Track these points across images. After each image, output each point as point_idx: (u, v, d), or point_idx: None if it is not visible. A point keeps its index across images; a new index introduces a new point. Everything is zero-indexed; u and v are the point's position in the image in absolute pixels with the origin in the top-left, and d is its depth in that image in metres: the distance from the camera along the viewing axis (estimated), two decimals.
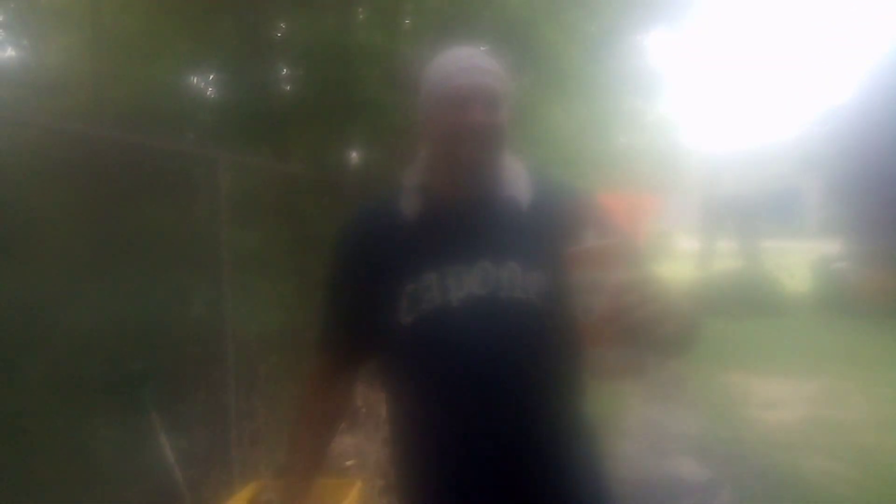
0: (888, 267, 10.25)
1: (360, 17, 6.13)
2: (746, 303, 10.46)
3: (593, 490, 1.30)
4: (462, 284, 1.21)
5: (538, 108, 7.05)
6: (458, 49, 1.29)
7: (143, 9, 5.11)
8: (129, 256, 3.14)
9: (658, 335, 0.96)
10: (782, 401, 5.78)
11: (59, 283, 2.67)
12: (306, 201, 4.74)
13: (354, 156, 6.50)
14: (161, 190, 3.61)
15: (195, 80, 5.85)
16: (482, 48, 1.38)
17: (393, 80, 5.26)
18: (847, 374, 6.55)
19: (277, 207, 4.38)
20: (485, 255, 1.23)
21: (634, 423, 5.28)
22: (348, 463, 3.78)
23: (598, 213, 1.31)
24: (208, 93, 5.88)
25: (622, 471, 4.28)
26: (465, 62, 1.25)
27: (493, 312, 1.19)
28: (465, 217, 1.26)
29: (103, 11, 4.82)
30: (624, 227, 1.31)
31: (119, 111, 4.53)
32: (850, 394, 5.88)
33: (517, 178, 1.31)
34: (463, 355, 1.19)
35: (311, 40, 5.56)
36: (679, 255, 20.14)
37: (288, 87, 6.05)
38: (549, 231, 1.23)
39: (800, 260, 13.98)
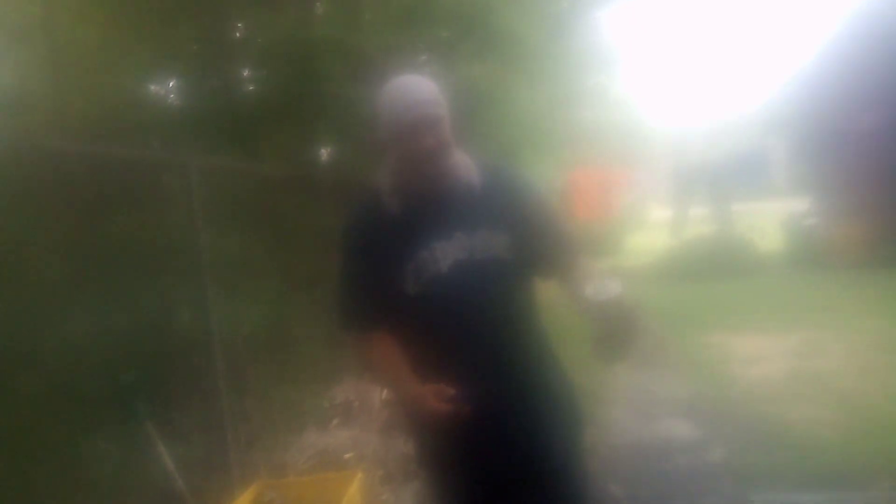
0: (856, 219, 10.50)
1: (319, 11, 6.09)
2: (722, 265, 10.66)
3: (548, 369, 1.79)
4: (447, 254, 1.65)
5: (502, 91, 7.08)
6: (405, 80, 1.68)
7: (96, 19, 5.02)
8: (109, 270, 3.12)
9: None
10: (764, 356, 5.92)
11: (44, 302, 2.65)
12: (281, 200, 4.73)
13: (325, 152, 6.49)
14: (134, 200, 3.58)
15: (158, 88, 5.78)
16: (421, 76, 1.74)
17: (357, 73, 5.25)
18: (825, 325, 6.73)
19: (253, 208, 4.36)
20: (459, 229, 1.66)
21: (621, 390, 5.37)
22: (347, 456, 3.81)
23: (531, 186, 1.84)
24: (171, 99, 5.81)
25: (614, 437, 4.37)
26: (412, 96, 1.62)
27: (472, 269, 1.64)
28: (438, 205, 1.68)
29: (56, 25, 4.73)
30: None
31: (83, 125, 4.46)
32: (829, 343, 6.04)
33: (468, 168, 1.74)
34: (457, 303, 1.63)
35: (271, 38, 5.52)
36: (652, 225, 20.39)
37: (252, 88, 6.00)
38: (501, 202, 1.71)
39: (771, 219, 14.24)
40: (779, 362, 5.68)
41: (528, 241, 1.71)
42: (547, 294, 1.86)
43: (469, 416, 1.51)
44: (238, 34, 5.92)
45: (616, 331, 1.51)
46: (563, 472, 1.73)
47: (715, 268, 10.63)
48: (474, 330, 1.64)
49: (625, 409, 4.98)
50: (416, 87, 1.66)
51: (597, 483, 1.88)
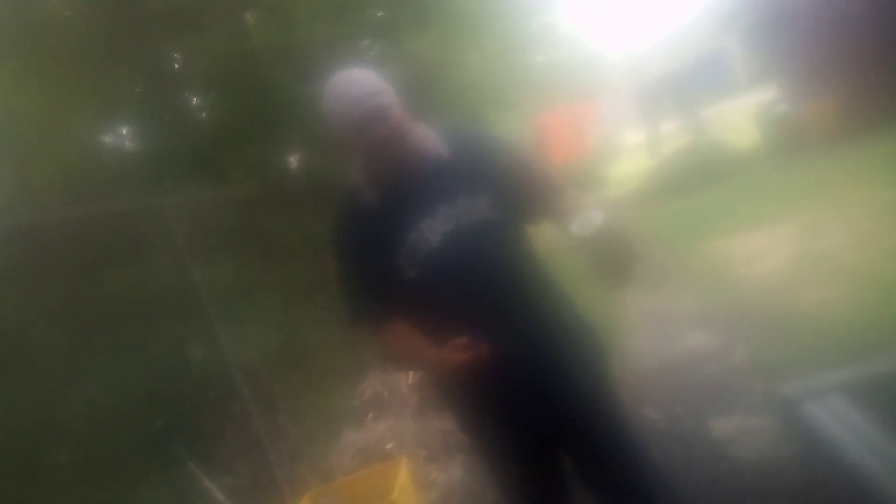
0: (825, 93, 10.50)
1: (251, 21, 6.02)
2: (706, 172, 10.68)
3: (562, 312, 1.81)
4: (434, 230, 1.67)
5: (451, 56, 7.04)
6: (344, 77, 1.67)
7: (35, 85, 4.96)
8: (113, 327, 3.14)
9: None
10: (765, 250, 5.98)
11: (57, 373, 2.67)
12: (263, 217, 4.73)
13: (294, 159, 6.47)
14: (119, 254, 3.58)
15: (113, 139, 5.73)
16: (360, 67, 1.73)
17: (304, 72, 5.21)
18: (818, 206, 6.76)
19: (238, 232, 4.36)
20: (440, 203, 1.69)
21: (636, 317, 5.44)
22: (388, 446, 3.88)
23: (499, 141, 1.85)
24: (129, 146, 5.76)
25: (640, 363, 4.44)
26: (354, 91, 1.62)
27: (461, 237, 1.67)
28: (413, 186, 1.69)
29: None
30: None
31: (47, 193, 4.43)
32: (825, 222, 6.09)
33: (433, 141, 1.75)
34: (455, 274, 1.66)
35: (211, 60, 5.46)
36: (630, 150, 20.37)
37: (205, 115, 5.96)
38: (473, 165, 1.73)
39: (743, 115, 14.24)
40: (782, 252, 5.73)
41: (508, 194, 1.73)
42: (546, 237, 1.89)
43: (491, 357, 1.55)
44: (177, 65, 5.85)
45: (611, 260, 1.52)
46: (597, 407, 1.77)
47: (699, 176, 10.66)
48: (478, 294, 1.67)
49: (645, 334, 5.05)
50: (355, 81, 1.66)
51: (632, 411, 1.94)
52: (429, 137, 1.76)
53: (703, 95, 15.03)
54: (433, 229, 1.68)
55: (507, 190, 1.73)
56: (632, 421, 1.87)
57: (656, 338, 4.92)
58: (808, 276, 4.92)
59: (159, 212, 3.34)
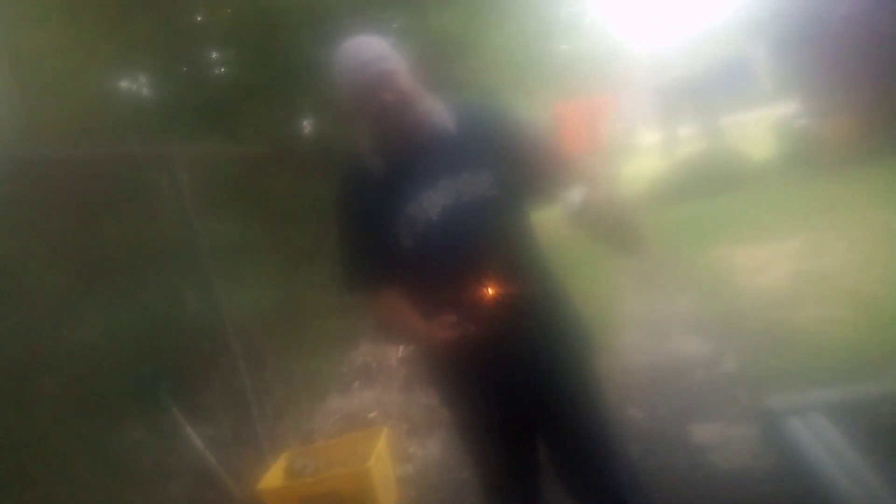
0: (847, 113, 10.40)
1: None
2: (717, 180, 10.61)
3: (554, 298, 1.82)
4: (434, 203, 1.67)
5: (475, 35, 6.97)
6: (352, 43, 1.68)
7: (56, 24, 4.94)
8: (113, 269, 3.16)
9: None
10: (768, 263, 5.96)
11: (54, 309, 2.70)
12: (270, 177, 4.74)
13: (307, 123, 6.45)
14: (125, 198, 3.60)
15: (129, 84, 5.72)
16: (370, 34, 1.73)
17: (325, 37, 5.17)
18: (825, 224, 6.73)
19: (243, 189, 4.37)
20: (442, 176, 1.68)
21: (630, 315, 5.45)
22: (371, 415, 3.92)
23: (507, 116, 1.82)
24: (145, 93, 5.75)
25: (628, 361, 4.46)
26: (360, 57, 1.64)
27: (460, 212, 1.67)
28: (416, 156, 1.69)
29: (15, 34, 4.66)
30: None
31: (58, 131, 4.43)
32: (831, 242, 6.07)
33: (440, 113, 1.74)
34: (450, 248, 1.65)
35: (235, 15, 5.43)
36: (644, 149, 20.26)
37: (223, 69, 5.94)
38: (479, 140, 1.71)
39: (761, 126, 14.13)
40: (783, 267, 5.72)
41: (512, 172, 1.71)
42: (548, 220, 1.87)
43: (478, 337, 1.54)
44: (200, 17, 5.82)
45: (610, 225, 1.53)
46: (578, 398, 1.78)
47: (711, 183, 10.59)
48: (471, 271, 1.65)
49: (636, 333, 5.07)
50: (362, 47, 1.67)
51: (615, 408, 1.94)
52: (436, 108, 1.75)
53: (724, 102, 14.92)
54: (433, 201, 1.67)
55: (511, 168, 1.71)
56: (611, 416, 1.87)
57: (648, 338, 4.93)
58: (807, 294, 4.91)
59: (167, 161, 3.34)
